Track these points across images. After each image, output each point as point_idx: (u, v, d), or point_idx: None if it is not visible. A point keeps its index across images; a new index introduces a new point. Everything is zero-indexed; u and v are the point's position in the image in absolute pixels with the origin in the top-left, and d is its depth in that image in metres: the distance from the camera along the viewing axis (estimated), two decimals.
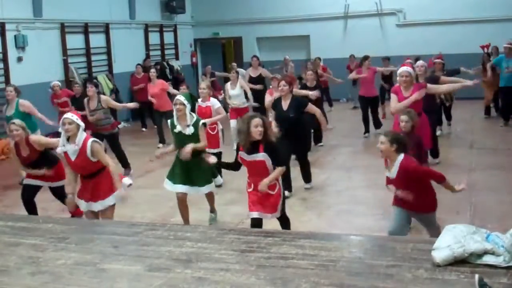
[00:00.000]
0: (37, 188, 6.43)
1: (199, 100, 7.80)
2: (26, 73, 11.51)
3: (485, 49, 12.83)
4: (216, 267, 3.29)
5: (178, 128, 6.03)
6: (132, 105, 9.75)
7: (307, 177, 7.90)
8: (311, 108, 7.54)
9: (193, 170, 6.05)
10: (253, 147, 5.11)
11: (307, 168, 7.88)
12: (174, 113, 6.07)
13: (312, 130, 10.27)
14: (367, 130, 11.57)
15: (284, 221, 5.50)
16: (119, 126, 14.32)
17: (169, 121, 6.23)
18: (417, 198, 4.73)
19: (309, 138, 9.43)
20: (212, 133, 7.80)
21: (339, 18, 17.43)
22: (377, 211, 6.72)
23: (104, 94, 10.39)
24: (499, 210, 6.66)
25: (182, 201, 6.20)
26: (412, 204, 4.77)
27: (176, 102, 6.03)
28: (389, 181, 4.98)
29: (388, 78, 13.19)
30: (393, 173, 4.72)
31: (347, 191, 7.83)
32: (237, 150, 5.32)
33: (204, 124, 6.19)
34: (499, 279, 2.93)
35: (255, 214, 5.25)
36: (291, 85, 7.44)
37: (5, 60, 11.60)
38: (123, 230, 4.19)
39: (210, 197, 6.48)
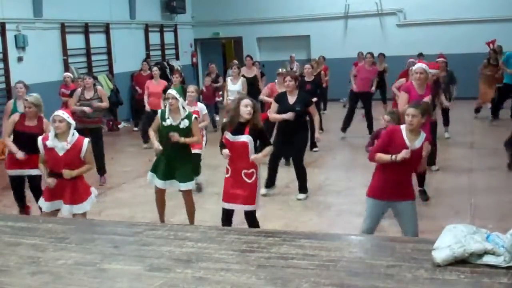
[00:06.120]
0: (23, 179, 6.67)
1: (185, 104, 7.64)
2: (26, 73, 11.46)
3: (491, 45, 12.81)
4: (217, 267, 3.29)
5: (169, 122, 5.97)
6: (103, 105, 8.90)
7: (302, 186, 7.52)
8: (313, 109, 7.56)
9: (177, 165, 6.00)
10: (239, 129, 5.20)
11: (303, 175, 7.51)
12: (167, 107, 6.03)
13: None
14: (345, 128, 11.32)
15: (253, 223, 5.43)
16: (119, 126, 14.41)
17: (159, 111, 6.19)
18: (405, 181, 4.75)
19: (307, 138, 9.31)
20: None
21: (340, 18, 17.45)
22: None
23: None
24: (499, 210, 6.67)
25: (160, 196, 6.18)
26: (398, 190, 4.70)
27: (169, 96, 5.99)
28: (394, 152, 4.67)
29: (381, 81, 12.86)
30: (416, 144, 4.67)
31: (347, 191, 7.83)
32: (223, 131, 5.37)
33: (196, 118, 6.19)
34: (499, 279, 2.93)
35: (226, 205, 5.36)
36: (296, 80, 7.46)
37: (5, 60, 11.60)
38: (123, 230, 4.19)
39: (189, 204, 6.24)
